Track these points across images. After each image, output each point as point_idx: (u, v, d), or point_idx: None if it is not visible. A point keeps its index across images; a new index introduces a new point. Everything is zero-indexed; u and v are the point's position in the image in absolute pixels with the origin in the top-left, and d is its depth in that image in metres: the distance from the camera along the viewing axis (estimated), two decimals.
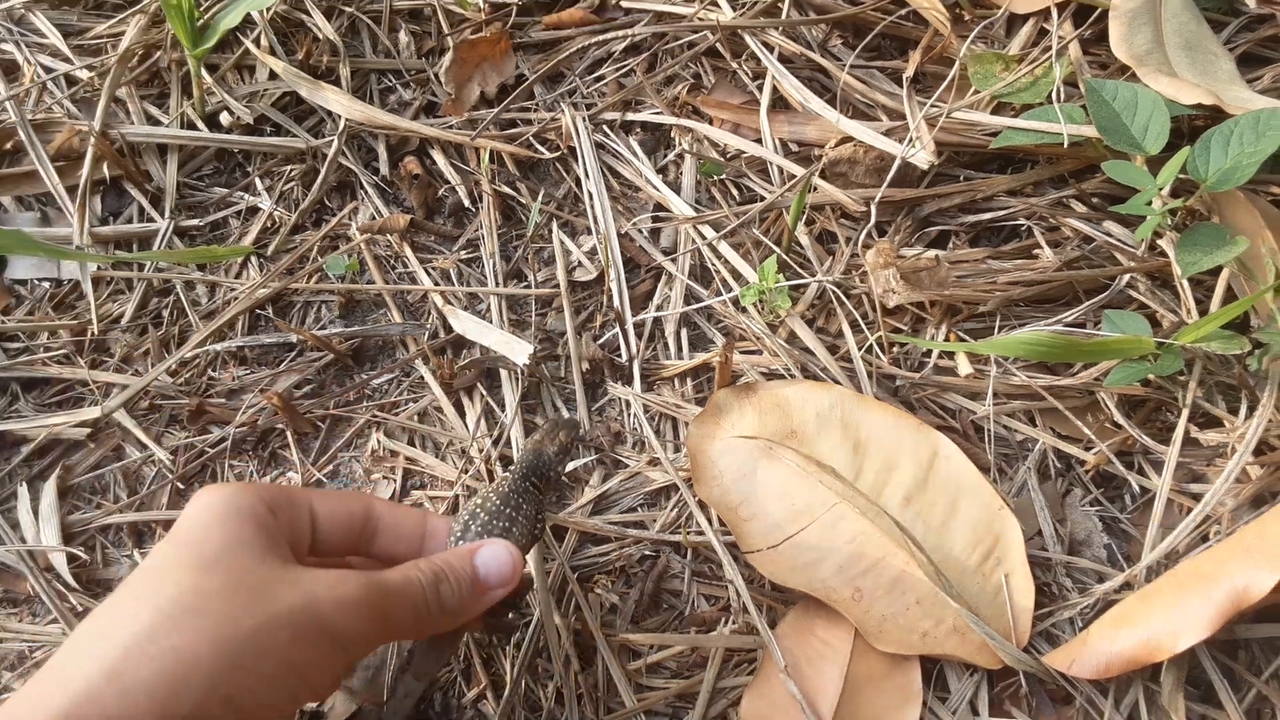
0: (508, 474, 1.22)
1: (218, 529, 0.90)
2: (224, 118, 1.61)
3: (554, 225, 1.54)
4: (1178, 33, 1.50)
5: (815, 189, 1.47)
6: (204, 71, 1.62)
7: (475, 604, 1.04)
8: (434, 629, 1.04)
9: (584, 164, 1.55)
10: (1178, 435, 1.26)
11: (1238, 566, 1.11)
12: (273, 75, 1.63)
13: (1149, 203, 1.29)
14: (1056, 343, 1.20)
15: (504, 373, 1.44)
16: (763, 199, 1.50)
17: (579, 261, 1.53)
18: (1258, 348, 1.21)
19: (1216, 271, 1.31)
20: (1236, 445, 1.23)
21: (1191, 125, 1.43)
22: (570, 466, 1.37)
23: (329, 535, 1.02)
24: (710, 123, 1.57)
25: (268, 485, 1.13)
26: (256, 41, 1.64)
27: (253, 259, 1.53)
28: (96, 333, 1.47)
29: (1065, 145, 1.39)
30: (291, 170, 1.59)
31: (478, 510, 1.16)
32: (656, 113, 1.59)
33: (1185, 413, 1.27)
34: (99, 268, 1.51)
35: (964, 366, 1.36)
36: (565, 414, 1.41)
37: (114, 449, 1.43)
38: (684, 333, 1.46)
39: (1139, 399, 1.33)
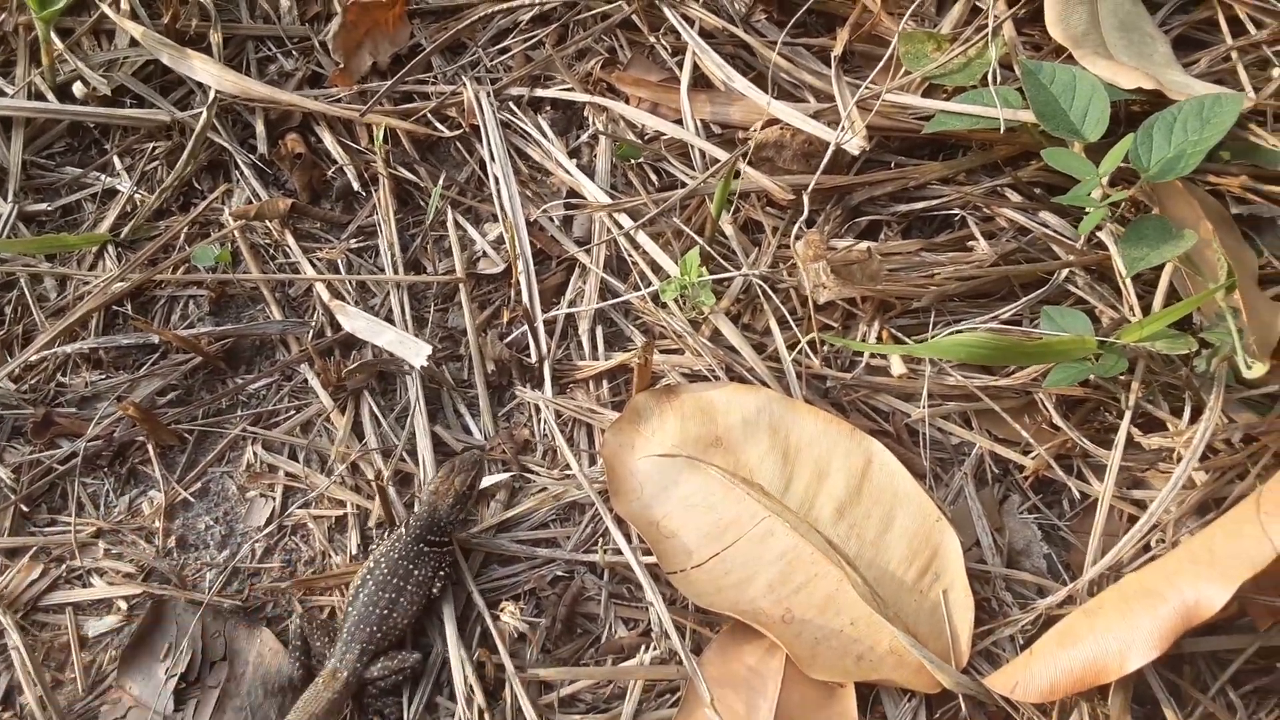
0: (401, 532, 1.15)
1: None
2: (78, 88, 1.42)
3: (453, 212, 1.40)
4: (1113, 13, 1.44)
5: (738, 175, 1.36)
6: (54, 36, 1.43)
7: None
8: None
9: (489, 144, 1.41)
10: (1120, 439, 1.20)
11: (1187, 582, 1.04)
12: (133, 42, 1.44)
13: (1089, 193, 1.22)
14: (998, 345, 1.12)
15: (401, 377, 1.30)
16: (684, 185, 1.38)
17: (484, 252, 1.39)
18: (1205, 348, 1.15)
19: (1160, 266, 1.25)
20: (1182, 450, 1.17)
21: (1129, 111, 1.37)
22: (491, 480, 1.24)
23: None
24: (626, 101, 1.45)
25: None
26: (115, 4, 1.45)
27: (109, 248, 1.35)
28: None
29: (1002, 130, 1.31)
30: (155, 148, 1.41)
31: (367, 577, 1.13)
32: (568, 89, 1.46)
33: (1128, 415, 1.20)
34: None
35: (897, 367, 1.28)
36: (480, 435, 1.27)
37: None
38: (599, 331, 1.34)
39: (1078, 399, 1.26)
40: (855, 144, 1.31)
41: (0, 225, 1.35)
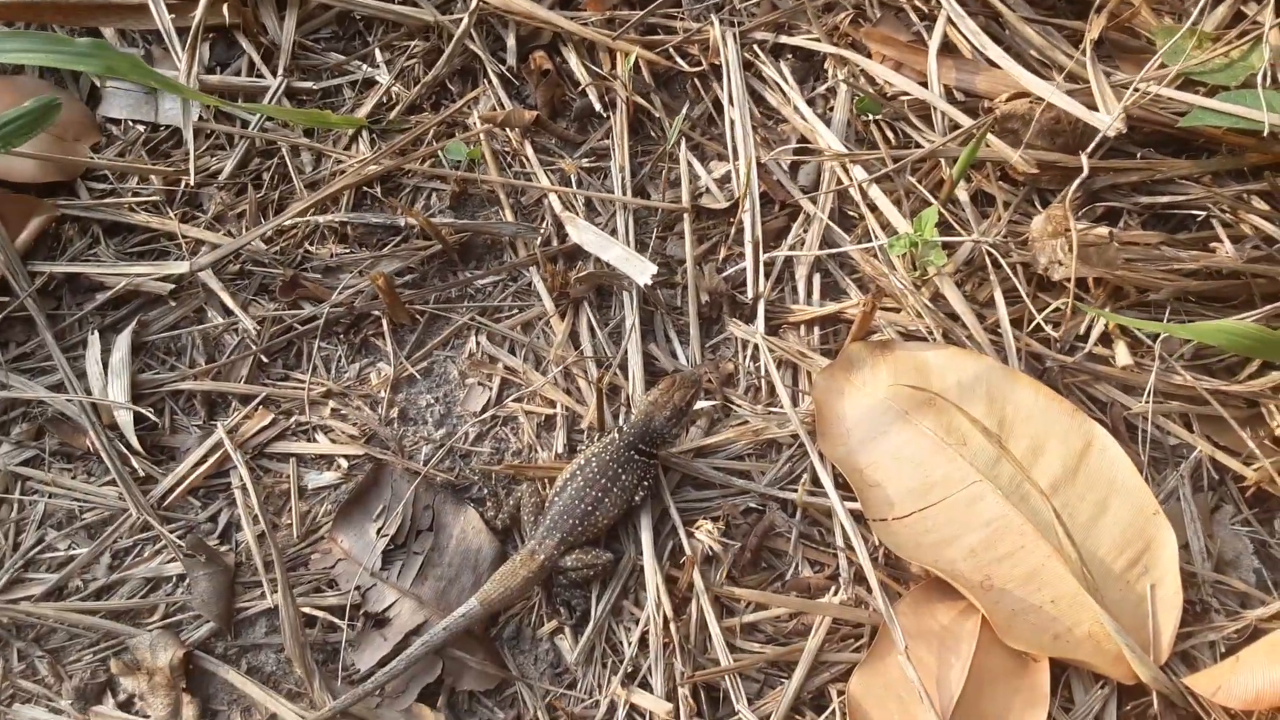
0: (614, 435, 1.18)
1: None
2: None
3: (684, 146, 1.43)
4: None
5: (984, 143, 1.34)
6: None
7: None
8: None
9: (729, 84, 1.43)
10: None
11: None
12: None
13: None
14: (1261, 336, 1.08)
15: (619, 293, 1.33)
16: (920, 146, 1.38)
17: (707, 188, 1.41)
18: None
19: None
20: None
21: None
22: (700, 406, 1.26)
23: None
24: (870, 57, 1.45)
25: None
26: None
27: (365, 132, 1.41)
28: (192, 185, 1.36)
29: (1266, 133, 1.26)
30: (414, 46, 1.47)
31: (576, 473, 1.17)
32: (812, 39, 1.46)
33: None
34: (202, 115, 1.40)
35: (1123, 357, 1.25)
36: (686, 363, 1.30)
37: (196, 310, 1.33)
38: (816, 278, 1.35)
39: None
40: (1113, 126, 1.28)
41: (268, 96, 1.42)
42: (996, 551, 1.13)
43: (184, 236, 1.34)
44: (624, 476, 1.17)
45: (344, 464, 1.25)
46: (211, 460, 1.24)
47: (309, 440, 1.27)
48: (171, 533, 1.21)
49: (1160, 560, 1.12)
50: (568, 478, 1.18)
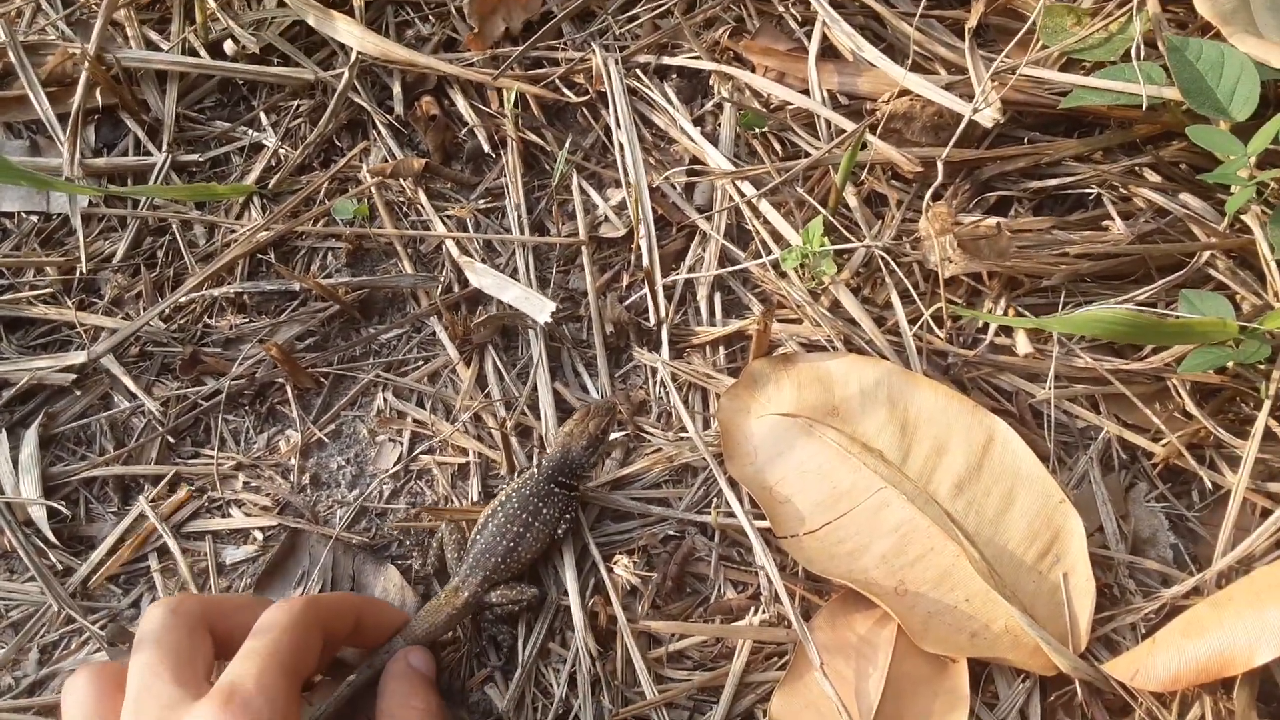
0: (533, 470, 1.19)
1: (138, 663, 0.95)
2: (228, 46, 1.49)
3: (578, 177, 1.43)
4: None
5: (866, 146, 1.35)
6: None
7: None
8: None
9: (615, 110, 1.43)
10: (1258, 429, 1.16)
11: None
12: (281, 2, 1.50)
13: (1236, 171, 1.18)
14: (1134, 321, 1.09)
15: (524, 332, 1.33)
16: (808, 155, 1.38)
17: (605, 216, 1.41)
18: None
19: None
20: None
21: (1278, 92, 1.31)
22: (610, 438, 1.27)
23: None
24: (753, 70, 1.45)
25: (214, 601, 1.09)
26: None
27: (255, 199, 1.41)
28: (86, 272, 1.36)
29: (1144, 108, 1.27)
30: (299, 105, 1.47)
31: (497, 509, 1.17)
32: (694, 57, 1.46)
33: (1267, 405, 1.16)
34: (90, 202, 1.40)
35: (1023, 345, 1.25)
36: (597, 396, 1.30)
37: (101, 397, 1.33)
38: (717, 297, 1.35)
39: (1214, 388, 1.22)
40: (989, 115, 1.29)
41: (155, 174, 1.43)
42: (907, 556, 1.13)
43: (82, 325, 1.34)
44: (545, 510, 1.17)
45: (259, 536, 1.25)
46: (128, 544, 1.24)
47: (223, 516, 1.27)
48: (94, 622, 1.21)
49: (1070, 548, 1.12)
50: (489, 514, 1.18)
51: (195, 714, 0.89)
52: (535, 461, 1.22)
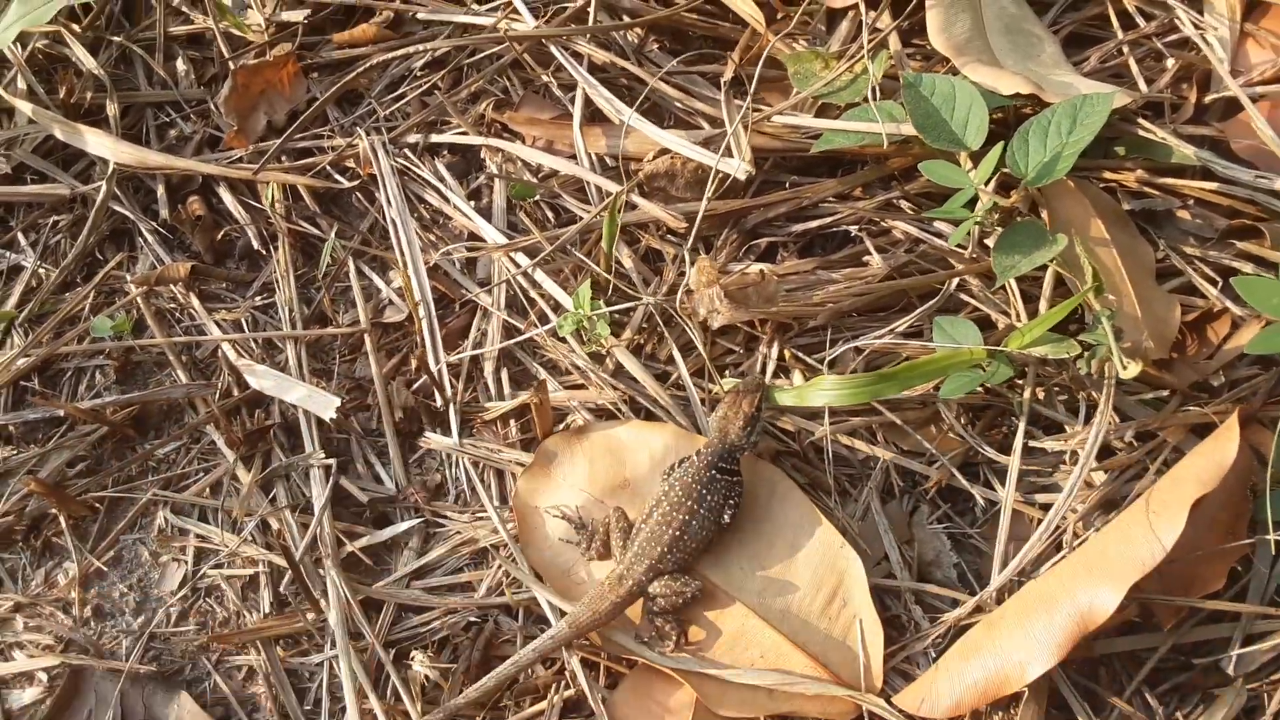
0: (694, 458, 1.17)
1: None
2: None
3: (356, 262, 1.41)
4: (998, 17, 1.44)
5: (634, 206, 1.37)
6: None
7: None
8: None
9: (385, 192, 1.42)
10: (1017, 445, 1.20)
11: (1080, 587, 1.05)
12: (32, 119, 1.45)
13: (970, 202, 1.23)
14: (883, 376, 1.14)
15: (305, 423, 1.30)
16: (580, 220, 1.39)
17: (389, 300, 1.40)
18: (1086, 350, 1.16)
19: (1045, 269, 1.26)
20: (1078, 451, 1.17)
21: (1019, 114, 1.38)
22: (401, 528, 1.25)
23: None
24: (523, 140, 1.46)
25: None
26: (11, 82, 1.47)
27: (16, 325, 1.36)
28: None
29: (885, 145, 1.32)
30: (58, 221, 1.43)
31: (661, 499, 1.16)
32: (462, 133, 1.46)
33: (1023, 421, 1.21)
34: None
35: (800, 384, 1.28)
36: (392, 486, 1.28)
37: None
38: (504, 371, 1.34)
39: (980, 406, 1.26)
40: (741, 168, 1.32)
41: None
42: (702, 620, 1.14)
43: None
44: (709, 497, 1.15)
45: (44, 677, 1.19)
46: None
47: (5, 660, 1.20)
48: None
49: (855, 591, 1.15)
50: (654, 504, 1.16)
51: None
52: (695, 450, 1.19)
